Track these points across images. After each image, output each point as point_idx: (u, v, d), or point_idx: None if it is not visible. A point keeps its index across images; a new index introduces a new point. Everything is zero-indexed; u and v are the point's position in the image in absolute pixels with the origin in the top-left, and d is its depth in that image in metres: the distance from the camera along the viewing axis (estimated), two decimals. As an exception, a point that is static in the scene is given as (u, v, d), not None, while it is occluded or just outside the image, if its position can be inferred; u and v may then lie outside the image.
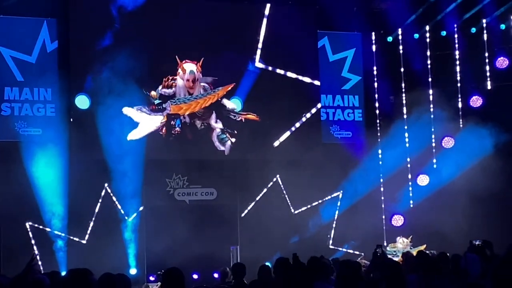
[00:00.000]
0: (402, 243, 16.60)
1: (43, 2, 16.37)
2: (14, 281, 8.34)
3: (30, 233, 15.90)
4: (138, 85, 16.48)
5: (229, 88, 17.47)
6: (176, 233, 16.19)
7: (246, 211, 17.55)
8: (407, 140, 18.53)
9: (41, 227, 15.99)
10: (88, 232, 16.27)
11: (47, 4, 16.45)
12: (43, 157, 15.80)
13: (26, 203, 15.69)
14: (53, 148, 15.93)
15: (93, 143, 16.04)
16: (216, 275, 15.60)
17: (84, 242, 16.23)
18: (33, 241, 15.85)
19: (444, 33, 18.63)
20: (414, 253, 14.50)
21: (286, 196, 17.71)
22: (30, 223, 15.92)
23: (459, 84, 18.52)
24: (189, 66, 17.23)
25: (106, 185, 16.40)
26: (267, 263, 12.02)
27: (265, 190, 17.63)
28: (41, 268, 14.41)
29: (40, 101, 16.49)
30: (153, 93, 16.95)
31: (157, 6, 17.12)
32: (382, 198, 18.49)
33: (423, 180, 18.26)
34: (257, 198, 17.58)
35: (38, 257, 14.89)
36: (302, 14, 18.01)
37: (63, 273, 12.89)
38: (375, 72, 18.87)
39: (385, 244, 17.49)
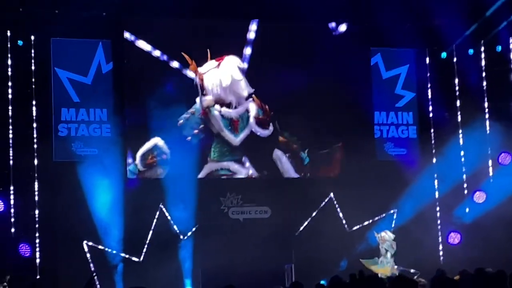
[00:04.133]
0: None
1: (98, 24, 16.55)
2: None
3: (87, 252, 16.10)
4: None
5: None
6: (230, 251, 16.25)
7: (300, 229, 17.50)
8: (462, 156, 18.32)
9: (98, 246, 16.19)
10: (144, 250, 16.40)
11: (102, 26, 16.63)
12: (99, 176, 16.00)
13: (83, 223, 15.90)
14: (108, 168, 16.13)
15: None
16: (271, 294, 15.59)
17: (140, 260, 16.37)
18: (90, 260, 16.04)
19: (499, 48, 18.39)
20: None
21: (341, 214, 17.61)
22: (88, 243, 16.12)
23: (515, 100, 18.28)
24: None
25: (161, 203, 16.52)
26: (322, 282, 11.96)
27: (319, 207, 17.55)
28: (99, 287, 14.57)
29: (96, 122, 16.71)
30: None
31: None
32: (438, 215, 18.27)
33: (480, 197, 17.99)
34: (312, 216, 17.51)
35: (96, 277, 15.09)
36: (355, 31, 17.94)
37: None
38: (429, 89, 18.71)
39: (441, 262, 17.30)
